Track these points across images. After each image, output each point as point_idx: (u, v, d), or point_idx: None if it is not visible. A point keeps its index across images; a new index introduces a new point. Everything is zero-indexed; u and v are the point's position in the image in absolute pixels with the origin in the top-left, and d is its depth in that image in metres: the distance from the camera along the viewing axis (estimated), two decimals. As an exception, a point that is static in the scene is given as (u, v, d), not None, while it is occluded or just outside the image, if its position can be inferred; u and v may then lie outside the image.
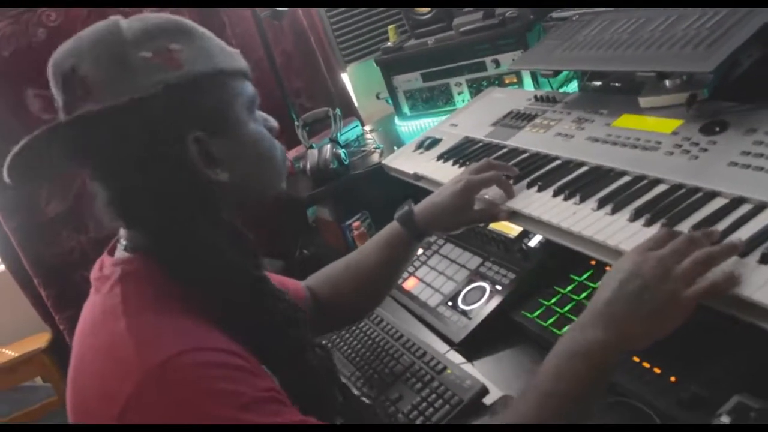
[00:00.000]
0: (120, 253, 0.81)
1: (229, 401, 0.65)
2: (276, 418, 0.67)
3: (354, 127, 2.10)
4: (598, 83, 1.41)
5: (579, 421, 0.75)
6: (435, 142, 1.48)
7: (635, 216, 0.89)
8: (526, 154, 1.22)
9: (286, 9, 1.97)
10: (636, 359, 0.96)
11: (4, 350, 2.46)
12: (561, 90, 1.66)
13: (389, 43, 2.06)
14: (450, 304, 1.29)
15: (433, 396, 1.07)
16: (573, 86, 1.65)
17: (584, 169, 1.08)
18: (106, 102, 0.69)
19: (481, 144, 1.36)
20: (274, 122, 0.90)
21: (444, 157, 1.39)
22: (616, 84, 1.28)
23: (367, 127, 2.27)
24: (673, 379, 0.90)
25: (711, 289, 0.70)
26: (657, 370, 0.93)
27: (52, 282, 2.03)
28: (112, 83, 0.71)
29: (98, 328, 0.74)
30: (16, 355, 2.42)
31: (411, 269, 1.47)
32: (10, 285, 2.11)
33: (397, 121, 2.14)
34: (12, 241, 2.00)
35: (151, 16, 0.76)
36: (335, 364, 0.93)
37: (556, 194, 1.03)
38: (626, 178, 1.00)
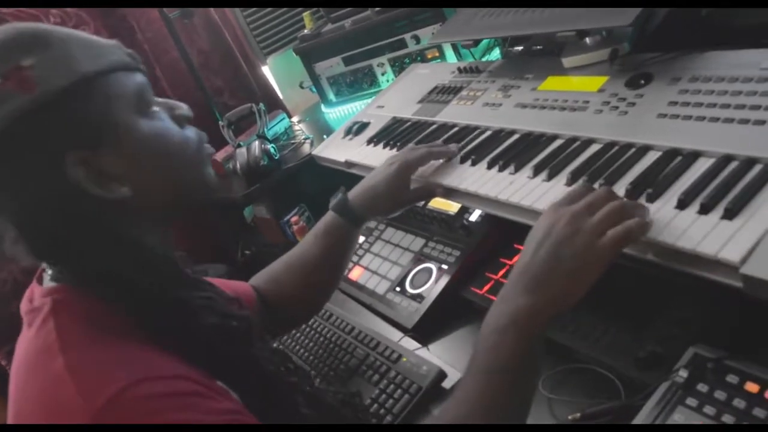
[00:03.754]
0: (48, 282, 0.74)
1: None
2: None
3: (281, 120, 2.05)
4: (520, 48, 1.39)
5: (527, 389, 0.73)
6: (363, 126, 1.44)
7: (572, 179, 0.87)
8: (455, 129, 1.19)
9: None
10: (588, 323, 0.95)
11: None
12: (484, 59, 1.64)
13: (306, 31, 2.00)
14: (398, 289, 1.27)
15: (392, 387, 1.04)
16: (495, 54, 1.63)
17: (516, 137, 1.05)
18: None
19: (409, 123, 1.32)
20: (182, 109, 0.81)
21: (374, 140, 1.35)
22: (538, 47, 1.26)
23: (295, 118, 2.22)
24: (628, 338, 0.90)
25: (623, 235, 0.69)
26: (611, 331, 0.92)
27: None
28: None
29: (35, 369, 0.67)
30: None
31: (355, 258, 1.44)
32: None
33: (323, 108, 2.09)
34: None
35: (0, 31, 0.68)
36: (295, 368, 0.88)
37: (490, 166, 1.00)
38: (559, 142, 0.98)
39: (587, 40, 1.09)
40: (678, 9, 1.06)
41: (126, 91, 0.72)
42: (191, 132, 0.82)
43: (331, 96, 2.03)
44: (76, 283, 0.71)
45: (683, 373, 0.78)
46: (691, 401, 0.76)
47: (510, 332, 0.70)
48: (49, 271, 0.74)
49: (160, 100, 0.80)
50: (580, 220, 0.70)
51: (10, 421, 0.69)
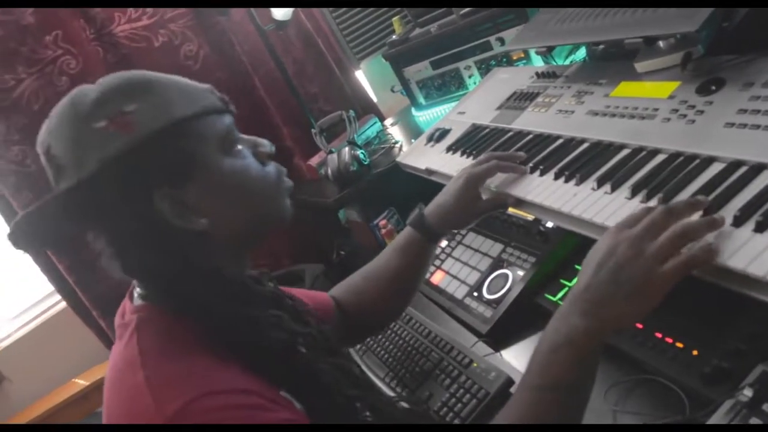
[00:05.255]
0: (137, 300, 0.83)
1: None
2: None
3: (373, 125, 2.10)
4: (601, 47, 1.37)
5: (576, 407, 0.75)
6: (444, 133, 1.47)
7: (633, 192, 0.87)
8: (529, 137, 1.20)
9: (289, 19, 1.98)
10: (658, 335, 0.94)
11: (76, 380, 2.57)
12: (570, 58, 1.62)
13: (394, 36, 2.04)
14: (476, 294, 1.29)
15: (461, 391, 1.07)
16: (581, 53, 1.61)
17: (585, 146, 1.05)
18: (74, 180, 0.73)
19: (487, 130, 1.34)
20: (264, 146, 0.88)
21: (453, 148, 1.37)
22: (614, 50, 1.24)
23: (389, 121, 2.27)
24: (695, 352, 0.88)
25: (686, 264, 0.68)
26: (679, 345, 0.91)
27: (110, 312, 2.11)
28: (76, 160, 0.73)
29: (121, 380, 0.77)
30: (88, 383, 2.53)
31: (437, 262, 1.48)
32: (73, 320, 2.21)
33: (413, 111, 2.13)
34: (68, 279, 2.09)
35: (109, 79, 0.78)
36: (357, 381, 0.93)
37: (557, 177, 1.01)
38: (625, 152, 0.97)
39: (660, 43, 1.07)
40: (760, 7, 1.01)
41: (213, 133, 0.81)
42: (271, 168, 0.88)
43: (421, 99, 2.07)
44: (159, 302, 0.80)
45: (748, 392, 0.76)
46: (755, 421, 0.74)
47: (564, 351, 0.72)
48: (138, 290, 0.83)
49: (245, 137, 0.88)
50: (643, 244, 0.70)
51: (104, 419, 0.78)
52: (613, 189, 0.90)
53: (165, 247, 0.78)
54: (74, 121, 0.74)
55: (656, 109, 0.99)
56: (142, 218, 0.77)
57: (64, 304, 2.21)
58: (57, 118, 0.76)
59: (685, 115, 0.93)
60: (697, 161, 0.85)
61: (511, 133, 1.27)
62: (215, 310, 0.77)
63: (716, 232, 0.71)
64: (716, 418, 0.77)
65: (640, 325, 0.97)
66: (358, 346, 1.38)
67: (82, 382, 2.55)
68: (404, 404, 0.99)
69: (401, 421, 0.91)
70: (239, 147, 0.85)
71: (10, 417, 2.50)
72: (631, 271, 0.69)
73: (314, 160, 2.03)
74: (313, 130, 1.92)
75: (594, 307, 0.71)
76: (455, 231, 1.50)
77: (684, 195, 0.80)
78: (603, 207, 0.88)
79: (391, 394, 1.19)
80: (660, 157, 0.91)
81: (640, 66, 1.10)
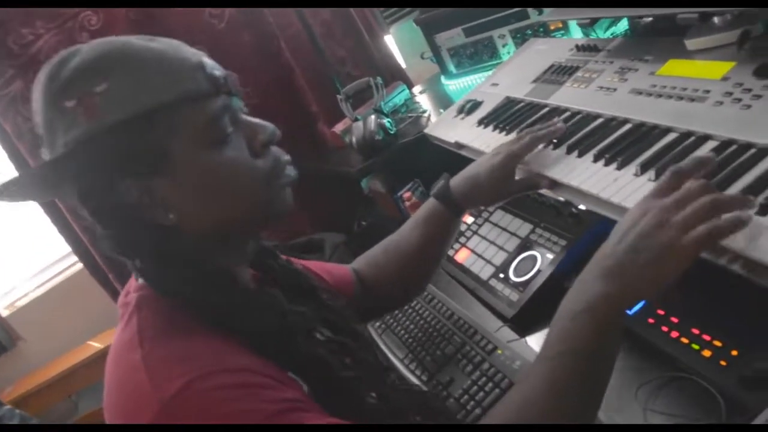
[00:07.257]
0: (139, 279, 0.79)
1: (248, 420, 0.64)
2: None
3: (401, 92, 2.04)
4: (646, 20, 1.29)
5: (597, 377, 0.71)
6: (476, 105, 1.41)
7: (679, 181, 0.81)
8: (567, 114, 1.13)
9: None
10: (695, 331, 0.89)
11: (90, 343, 2.57)
12: (610, 30, 1.54)
13: (427, 0, 1.97)
14: (502, 276, 1.24)
15: (483, 379, 1.03)
16: (622, 25, 1.53)
17: (627, 127, 0.99)
18: (47, 157, 0.72)
19: (522, 104, 1.28)
20: (264, 133, 0.79)
21: (484, 122, 1.32)
22: (660, 24, 1.16)
23: (417, 89, 2.21)
24: (734, 353, 0.83)
25: (710, 233, 0.64)
26: (717, 343, 0.86)
27: (126, 275, 2.10)
28: (48, 137, 0.71)
29: (119, 359, 0.74)
30: (102, 346, 2.52)
31: (462, 240, 1.43)
32: (89, 281, 2.19)
33: (443, 80, 2.06)
34: (83, 240, 2.07)
35: (89, 48, 0.71)
36: (371, 361, 0.90)
37: (596, 159, 0.95)
38: (672, 136, 0.91)
39: (715, 19, 0.99)
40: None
41: (191, 123, 0.72)
42: (266, 161, 0.79)
43: (452, 68, 2.00)
44: (149, 283, 0.76)
45: (791, 400, 0.72)
46: (798, 433, 0.70)
47: (583, 318, 0.69)
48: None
49: (246, 121, 0.79)
50: (668, 214, 0.67)
51: (104, 399, 0.74)
52: (658, 176, 0.84)
53: (135, 235, 0.74)
54: (47, 97, 0.70)
55: (707, 91, 0.92)
56: (109, 205, 0.73)
57: (81, 265, 2.19)
58: (37, 90, 0.72)
59: (739, 99, 0.86)
60: (753, 151, 0.78)
61: (547, 109, 1.20)
62: (192, 294, 0.74)
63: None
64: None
65: (675, 319, 0.93)
66: (377, 324, 1.35)
67: (96, 345, 2.56)
68: (422, 387, 0.96)
69: (406, 405, 0.87)
70: (231, 134, 0.76)
71: (24, 375, 2.51)
72: (652, 241, 0.67)
73: (339, 127, 1.98)
74: (338, 96, 1.87)
75: (613, 273, 0.68)
76: (481, 207, 1.45)
77: (736, 187, 0.74)
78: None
79: (411, 376, 1.16)
80: (710, 144, 0.84)
81: (691, 43, 1.02)
